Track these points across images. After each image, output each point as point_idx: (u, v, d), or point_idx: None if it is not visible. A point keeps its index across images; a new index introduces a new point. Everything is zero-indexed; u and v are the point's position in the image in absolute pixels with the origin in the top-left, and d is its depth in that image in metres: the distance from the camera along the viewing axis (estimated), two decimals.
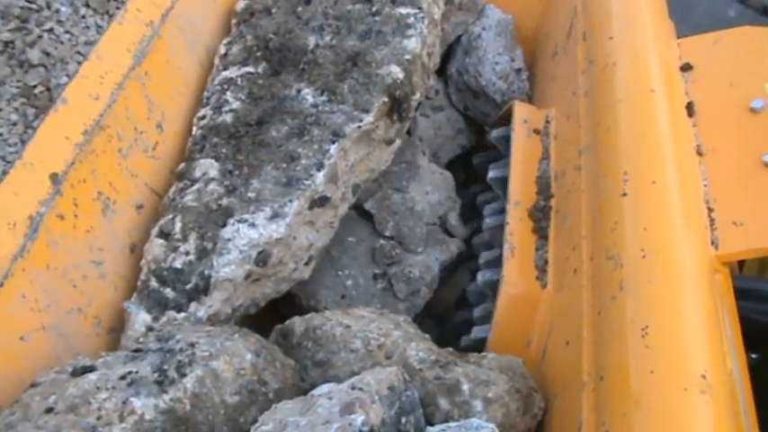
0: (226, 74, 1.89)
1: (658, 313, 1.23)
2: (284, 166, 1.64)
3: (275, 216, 1.56)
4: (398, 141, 1.86)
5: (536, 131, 1.86)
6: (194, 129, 1.81)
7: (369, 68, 1.78)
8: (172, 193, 1.68)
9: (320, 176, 1.63)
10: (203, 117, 1.82)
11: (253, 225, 1.55)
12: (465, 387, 1.35)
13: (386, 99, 1.75)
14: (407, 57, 1.81)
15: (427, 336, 1.54)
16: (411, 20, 1.88)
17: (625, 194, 1.40)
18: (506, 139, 2.04)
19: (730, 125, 1.59)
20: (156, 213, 1.70)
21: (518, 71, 2.25)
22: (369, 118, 1.71)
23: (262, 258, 1.55)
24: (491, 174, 1.98)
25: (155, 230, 1.61)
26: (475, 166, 2.17)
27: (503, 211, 1.91)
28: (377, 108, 1.73)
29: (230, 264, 1.52)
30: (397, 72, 1.77)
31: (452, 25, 2.28)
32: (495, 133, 2.05)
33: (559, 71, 2.02)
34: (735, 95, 1.64)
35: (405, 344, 1.43)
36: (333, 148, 1.66)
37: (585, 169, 1.58)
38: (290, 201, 1.59)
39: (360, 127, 1.70)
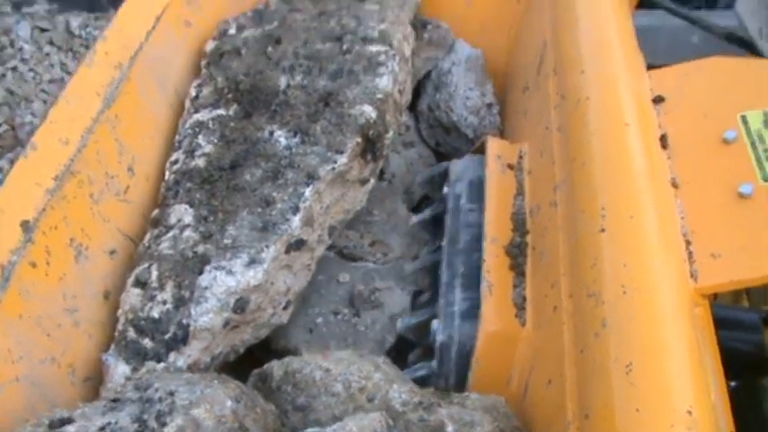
0: (197, 117, 1.88)
1: (642, 350, 1.23)
2: (259, 210, 1.63)
3: (252, 262, 1.55)
4: (373, 181, 1.85)
5: (510, 167, 1.86)
6: (167, 173, 1.79)
7: (341, 108, 1.78)
8: (147, 241, 1.66)
9: (296, 220, 1.62)
10: (176, 161, 1.80)
11: (230, 272, 1.53)
12: (450, 429, 1.33)
13: (359, 139, 1.74)
14: (379, 95, 1.81)
15: (408, 377, 1.53)
16: (382, 57, 1.88)
17: (603, 230, 1.40)
18: (430, 183, 2.06)
19: (704, 157, 1.59)
20: (129, 259, 1.68)
21: (489, 106, 2.26)
22: (343, 159, 1.71)
23: (240, 305, 1.53)
24: (414, 218, 1.99)
25: (131, 279, 1.59)
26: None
27: (432, 253, 1.92)
28: (350, 149, 1.72)
29: (208, 312, 1.51)
30: (369, 111, 1.77)
31: (422, 61, 2.29)
32: (419, 178, 2.07)
33: (531, 106, 2.02)
34: (708, 127, 1.64)
35: (386, 386, 1.41)
36: (308, 191, 1.66)
37: (561, 205, 1.57)
38: (267, 246, 1.57)
39: (334, 168, 1.70)
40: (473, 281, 1.69)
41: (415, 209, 2.12)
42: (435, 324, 1.67)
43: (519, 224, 1.73)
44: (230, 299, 1.52)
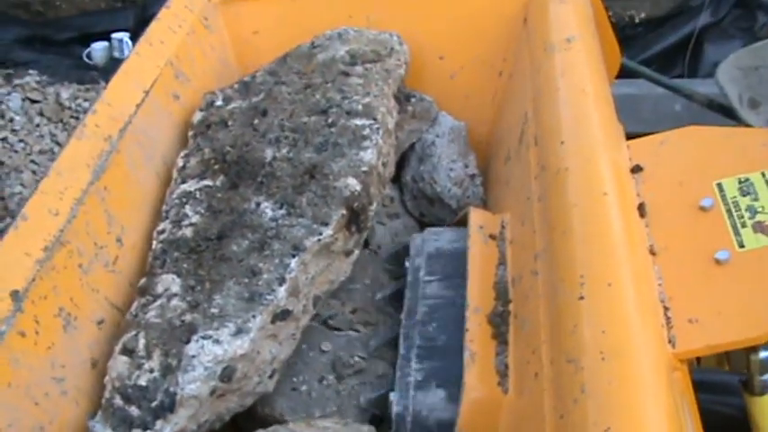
0: (184, 187, 1.92)
1: (620, 414, 1.25)
2: (246, 281, 1.66)
3: (239, 332, 1.57)
4: (357, 252, 1.88)
5: (492, 237, 1.89)
6: (154, 243, 1.82)
7: (326, 181, 1.81)
8: (134, 309, 1.68)
9: (282, 291, 1.64)
10: (163, 231, 1.83)
11: (217, 341, 1.55)
12: None
13: (344, 211, 1.77)
14: (364, 168, 1.84)
15: None
16: (366, 131, 1.92)
17: (582, 298, 1.43)
18: (396, 258, 2.10)
19: (681, 224, 1.63)
20: (117, 328, 1.70)
21: (472, 177, 2.30)
22: (328, 231, 1.74)
23: (227, 374, 1.55)
24: (378, 294, 2.02)
25: (118, 347, 1.61)
26: None
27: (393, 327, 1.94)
28: (335, 221, 1.75)
29: (195, 380, 1.52)
30: (354, 184, 1.81)
31: (406, 133, 2.33)
32: (383, 254, 2.14)
33: (513, 176, 2.06)
34: (684, 195, 1.68)
35: None
36: (293, 262, 1.68)
37: (542, 274, 1.60)
38: (254, 316, 1.59)
39: (319, 240, 1.72)
40: (428, 352, 1.73)
41: None
42: (392, 396, 1.69)
43: (501, 293, 1.75)
44: (217, 367, 1.54)
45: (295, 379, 1.82)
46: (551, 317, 1.50)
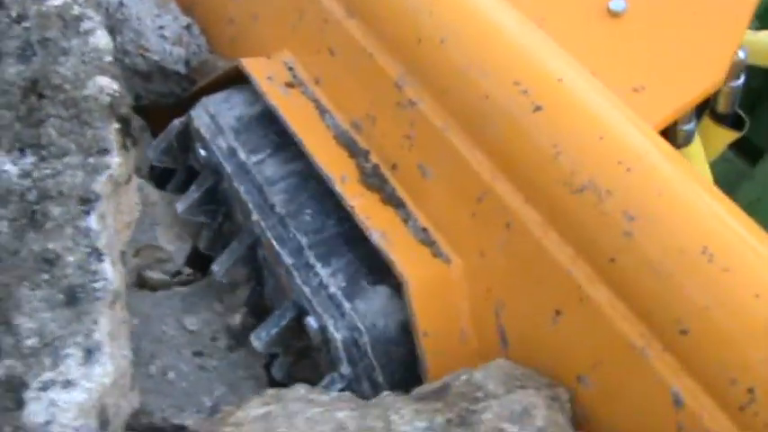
0: None
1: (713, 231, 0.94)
2: (45, 277, 1.08)
3: (89, 353, 1.02)
4: (134, 175, 1.35)
5: (289, 85, 1.43)
6: None
7: (64, 94, 1.23)
8: None
9: (107, 269, 1.10)
10: None
11: (69, 383, 1.00)
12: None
13: (116, 124, 1.22)
14: (107, 59, 1.28)
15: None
16: (75, 10, 1.33)
17: (539, 108, 1.06)
18: (170, 152, 1.57)
19: None
20: None
21: (188, 27, 1.76)
22: (115, 159, 1.18)
23: (103, 420, 1.01)
24: (180, 205, 1.50)
25: None
26: None
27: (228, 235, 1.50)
28: (115, 141, 1.20)
29: None
30: (109, 84, 1.25)
31: None
32: (152, 153, 1.57)
33: (268, 6, 1.58)
34: None
35: (379, 423, 0.99)
36: (93, 222, 1.13)
37: (429, 101, 1.20)
38: (95, 321, 1.05)
39: (111, 176, 1.17)
40: (327, 248, 1.29)
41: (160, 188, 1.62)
42: (313, 321, 1.23)
43: (351, 146, 1.33)
44: (90, 420, 1.00)
45: (152, 368, 1.30)
46: (490, 148, 1.12)
